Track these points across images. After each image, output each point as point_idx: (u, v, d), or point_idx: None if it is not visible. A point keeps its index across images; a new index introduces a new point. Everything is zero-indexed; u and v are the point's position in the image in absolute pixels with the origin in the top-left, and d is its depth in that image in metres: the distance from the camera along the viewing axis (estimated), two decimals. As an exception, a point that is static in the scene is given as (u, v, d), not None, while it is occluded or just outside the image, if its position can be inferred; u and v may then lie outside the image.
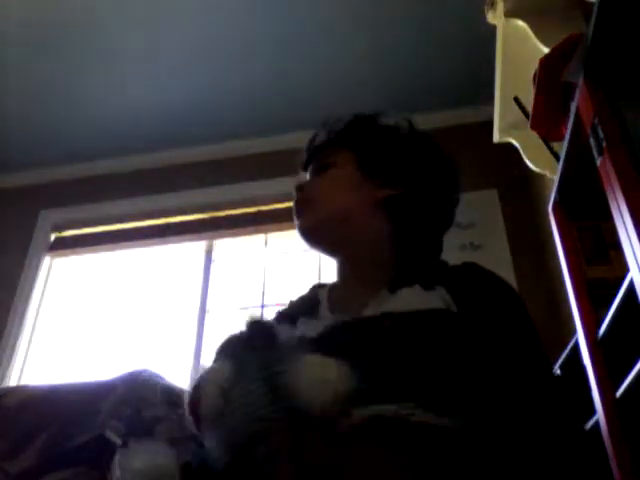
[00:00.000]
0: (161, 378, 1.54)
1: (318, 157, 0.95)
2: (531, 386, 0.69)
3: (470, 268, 0.79)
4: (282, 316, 0.85)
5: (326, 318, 0.79)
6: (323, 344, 0.67)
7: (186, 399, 0.68)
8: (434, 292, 0.72)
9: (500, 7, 1.62)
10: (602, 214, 1.07)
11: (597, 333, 1.14)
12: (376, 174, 0.89)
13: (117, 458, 0.61)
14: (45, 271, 2.99)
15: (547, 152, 1.58)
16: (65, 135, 2.98)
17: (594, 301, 1.23)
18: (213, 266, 2.92)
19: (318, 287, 0.91)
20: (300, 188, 0.91)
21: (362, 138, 0.93)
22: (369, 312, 0.74)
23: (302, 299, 0.89)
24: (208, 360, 0.73)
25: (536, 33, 1.50)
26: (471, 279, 0.76)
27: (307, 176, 0.97)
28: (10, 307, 2.81)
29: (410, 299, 0.72)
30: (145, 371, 1.54)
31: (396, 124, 0.96)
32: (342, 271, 0.90)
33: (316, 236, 0.89)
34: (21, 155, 3.10)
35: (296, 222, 0.90)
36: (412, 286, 0.74)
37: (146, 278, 2.92)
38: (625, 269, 0.90)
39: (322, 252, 0.92)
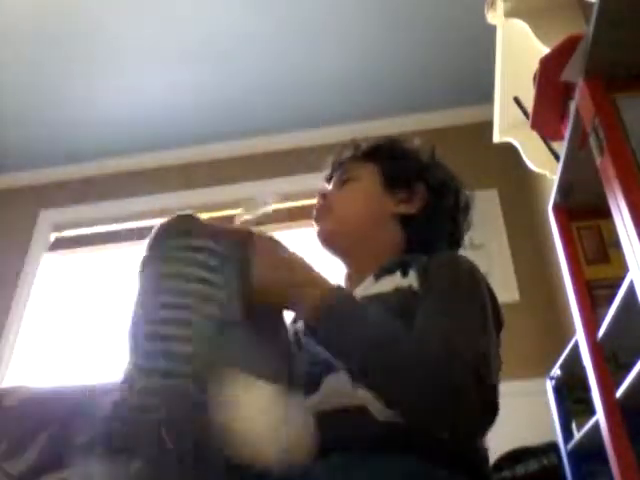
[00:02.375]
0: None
1: (342, 170, 1.01)
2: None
3: (441, 254, 0.86)
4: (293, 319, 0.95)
5: None
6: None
7: None
8: (407, 277, 0.80)
9: (500, 7, 1.62)
10: (602, 214, 1.07)
11: (597, 333, 1.14)
12: (396, 191, 0.96)
13: None
14: (45, 271, 2.99)
15: (547, 152, 1.58)
16: (65, 135, 2.98)
17: (594, 301, 1.23)
18: (213, 266, 2.91)
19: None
20: (323, 196, 0.98)
21: (386, 156, 0.99)
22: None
23: None
24: None
25: (536, 33, 1.50)
26: (434, 261, 0.82)
27: (330, 187, 1.03)
28: (10, 307, 2.81)
29: (386, 284, 0.81)
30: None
31: (419, 149, 1.02)
32: (349, 272, 0.96)
33: (332, 242, 0.95)
34: (21, 155, 3.10)
35: (315, 227, 0.97)
36: (393, 274, 0.82)
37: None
38: (625, 269, 0.90)
39: (336, 256, 0.97)
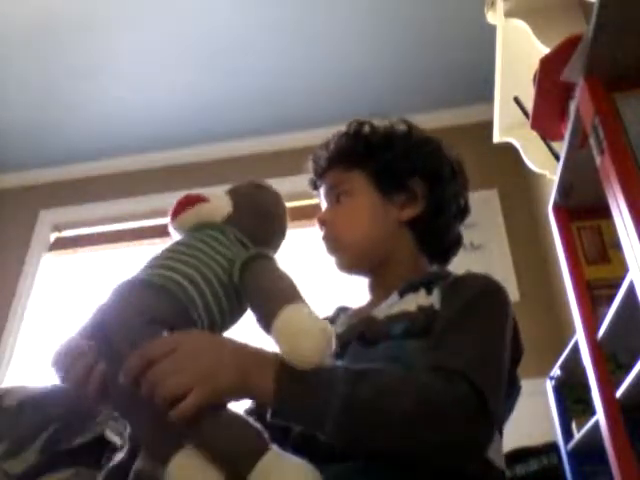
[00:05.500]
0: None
1: (329, 181, 0.95)
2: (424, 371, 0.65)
3: (467, 273, 0.83)
4: None
5: (342, 324, 0.87)
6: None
7: None
8: (431, 296, 0.77)
9: (500, 7, 1.62)
10: (602, 214, 1.07)
11: (597, 333, 1.14)
12: (394, 195, 0.91)
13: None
14: (45, 271, 2.99)
15: (547, 152, 1.58)
16: (65, 135, 2.98)
17: (594, 301, 1.23)
18: (213, 266, 2.91)
19: (341, 309, 0.96)
20: (323, 222, 0.92)
21: (370, 158, 0.92)
22: (376, 313, 0.81)
23: (325, 318, 0.94)
24: None
25: (536, 33, 1.50)
26: (458, 280, 0.81)
27: (320, 196, 0.97)
28: (10, 307, 2.81)
29: (410, 302, 0.78)
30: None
31: (393, 128, 0.96)
32: (374, 285, 0.93)
33: (353, 271, 0.92)
34: (21, 155, 3.10)
35: (331, 259, 0.92)
36: (418, 291, 0.79)
37: (146, 278, 2.91)
38: (625, 269, 0.90)
39: (359, 277, 0.95)
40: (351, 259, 0.90)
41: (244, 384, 0.58)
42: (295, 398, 0.59)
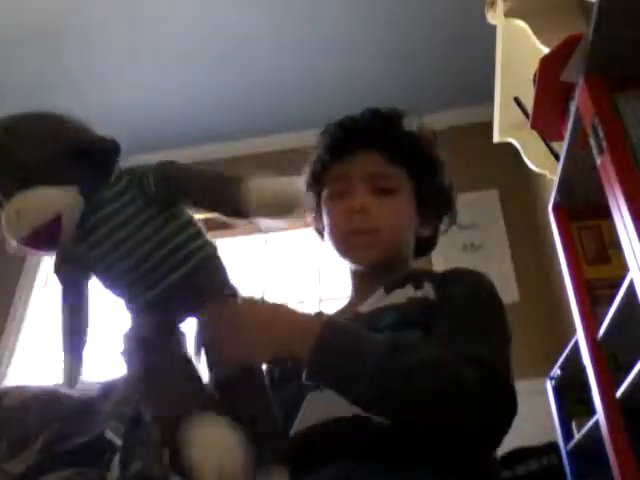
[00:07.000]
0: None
1: (372, 166, 0.90)
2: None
3: (457, 267, 0.85)
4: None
5: None
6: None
7: None
8: (422, 290, 0.79)
9: (500, 7, 1.62)
10: (602, 214, 1.07)
11: (597, 333, 1.14)
12: (422, 213, 0.94)
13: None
14: (45, 272, 2.99)
15: (547, 152, 1.58)
16: (65, 135, 2.98)
17: (594, 301, 1.23)
18: (213, 266, 2.91)
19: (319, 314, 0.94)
20: (364, 210, 0.86)
21: (425, 176, 0.93)
22: (364, 308, 0.82)
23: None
24: None
25: (536, 33, 1.50)
26: (450, 273, 0.83)
27: (341, 166, 0.94)
28: (10, 308, 2.81)
29: (399, 296, 0.79)
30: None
31: (445, 167, 0.97)
32: (363, 282, 0.92)
33: (374, 267, 0.89)
34: (21, 155, 3.10)
35: (360, 252, 0.88)
36: (405, 287, 0.80)
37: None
38: (625, 269, 0.90)
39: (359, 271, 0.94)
40: (381, 257, 0.87)
41: (284, 352, 0.64)
42: (332, 355, 0.62)
